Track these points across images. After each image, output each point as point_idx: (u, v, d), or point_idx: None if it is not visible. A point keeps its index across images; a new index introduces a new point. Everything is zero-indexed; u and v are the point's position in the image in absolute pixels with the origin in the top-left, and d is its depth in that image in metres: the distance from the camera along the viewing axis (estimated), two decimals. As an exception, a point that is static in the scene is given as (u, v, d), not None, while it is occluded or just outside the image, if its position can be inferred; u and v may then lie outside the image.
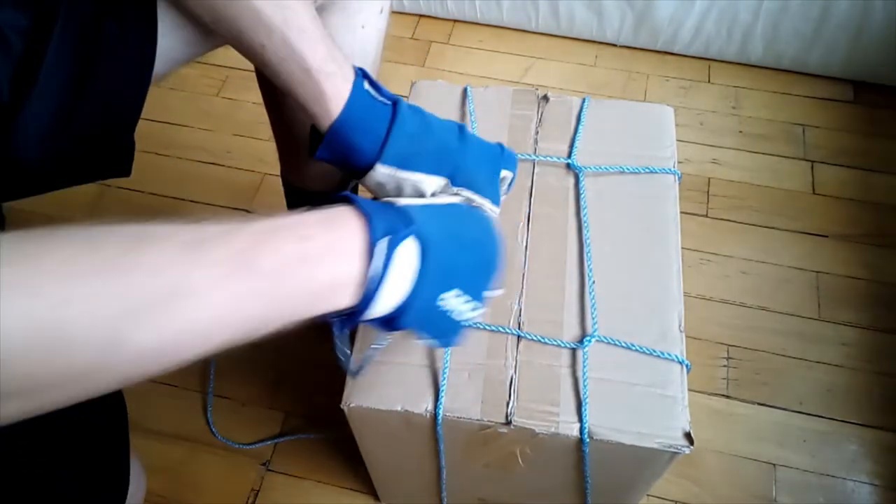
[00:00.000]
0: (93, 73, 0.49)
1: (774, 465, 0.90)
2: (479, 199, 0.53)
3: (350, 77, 0.50)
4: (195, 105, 1.29)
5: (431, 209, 0.43)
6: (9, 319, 0.25)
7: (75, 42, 0.47)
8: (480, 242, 0.45)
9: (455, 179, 0.51)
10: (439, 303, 0.41)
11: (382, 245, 0.36)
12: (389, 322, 0.40)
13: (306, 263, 0.34)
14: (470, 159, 0.53)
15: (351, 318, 0.38)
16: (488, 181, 0.54)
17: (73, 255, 0.28)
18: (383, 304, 0.38)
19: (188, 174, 1.20)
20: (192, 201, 1.17)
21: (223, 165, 1.21)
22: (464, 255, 0.43)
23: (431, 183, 0.51)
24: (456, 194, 0.52)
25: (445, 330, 0.44)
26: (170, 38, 0.54)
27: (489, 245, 0.46)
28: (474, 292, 0.43)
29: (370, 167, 0.50)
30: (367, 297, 0.36)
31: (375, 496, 0.86)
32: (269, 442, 0.93)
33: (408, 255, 0.38)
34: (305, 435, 0.93)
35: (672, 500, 0.88)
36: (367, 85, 0.50)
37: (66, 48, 0.47)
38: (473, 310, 0.43)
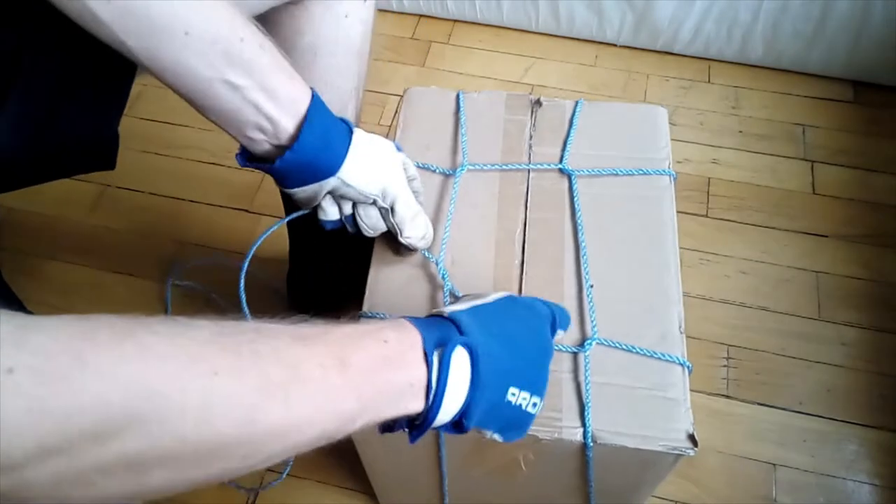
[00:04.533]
0: (78, 65, 0.49)
1: (774, 465, 0.90)
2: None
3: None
4: (195, 105, 1.28)
5: (478, 313, 0.45)
6: (169, 382, 0.29)
7: (62, 34, 0.47)
8: (527, 337, 0.47)
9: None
10: (508, 399, 0.44)
11: (436, 356, 0.40)
12: (457, 425, 0.43)
13: (387, 364, 0.38)
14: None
15: (422, 425, 0.41)
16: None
17: (210, 337, 0.32)
18: (448, 409, 0.41)
19: (188, 174, 1.20)
20: (191, 201, 1.16)
21: (223, 165, 1.21)
22: (513, 354, 0.45)
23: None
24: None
25: (510, 424, 0.46)
26: None
27: (537, 338, 0.47)
28: (530, 387, 0.45)
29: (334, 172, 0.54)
30: (435, 404, 0.40)
31: (376, 497, 0.86)
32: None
33: (462, 363, 0.41)
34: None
35: (672, 500, 0.88)
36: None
37: (53, 41, 0.47)
38: (534, 406, 0.45)
